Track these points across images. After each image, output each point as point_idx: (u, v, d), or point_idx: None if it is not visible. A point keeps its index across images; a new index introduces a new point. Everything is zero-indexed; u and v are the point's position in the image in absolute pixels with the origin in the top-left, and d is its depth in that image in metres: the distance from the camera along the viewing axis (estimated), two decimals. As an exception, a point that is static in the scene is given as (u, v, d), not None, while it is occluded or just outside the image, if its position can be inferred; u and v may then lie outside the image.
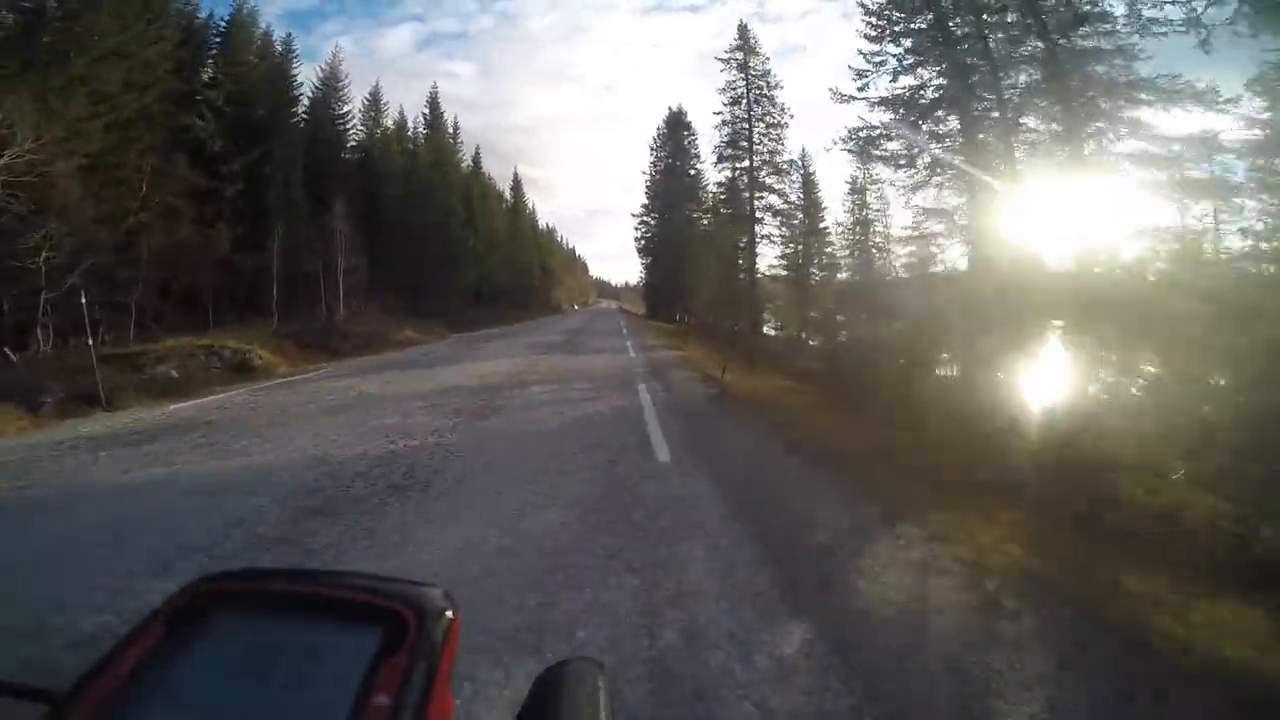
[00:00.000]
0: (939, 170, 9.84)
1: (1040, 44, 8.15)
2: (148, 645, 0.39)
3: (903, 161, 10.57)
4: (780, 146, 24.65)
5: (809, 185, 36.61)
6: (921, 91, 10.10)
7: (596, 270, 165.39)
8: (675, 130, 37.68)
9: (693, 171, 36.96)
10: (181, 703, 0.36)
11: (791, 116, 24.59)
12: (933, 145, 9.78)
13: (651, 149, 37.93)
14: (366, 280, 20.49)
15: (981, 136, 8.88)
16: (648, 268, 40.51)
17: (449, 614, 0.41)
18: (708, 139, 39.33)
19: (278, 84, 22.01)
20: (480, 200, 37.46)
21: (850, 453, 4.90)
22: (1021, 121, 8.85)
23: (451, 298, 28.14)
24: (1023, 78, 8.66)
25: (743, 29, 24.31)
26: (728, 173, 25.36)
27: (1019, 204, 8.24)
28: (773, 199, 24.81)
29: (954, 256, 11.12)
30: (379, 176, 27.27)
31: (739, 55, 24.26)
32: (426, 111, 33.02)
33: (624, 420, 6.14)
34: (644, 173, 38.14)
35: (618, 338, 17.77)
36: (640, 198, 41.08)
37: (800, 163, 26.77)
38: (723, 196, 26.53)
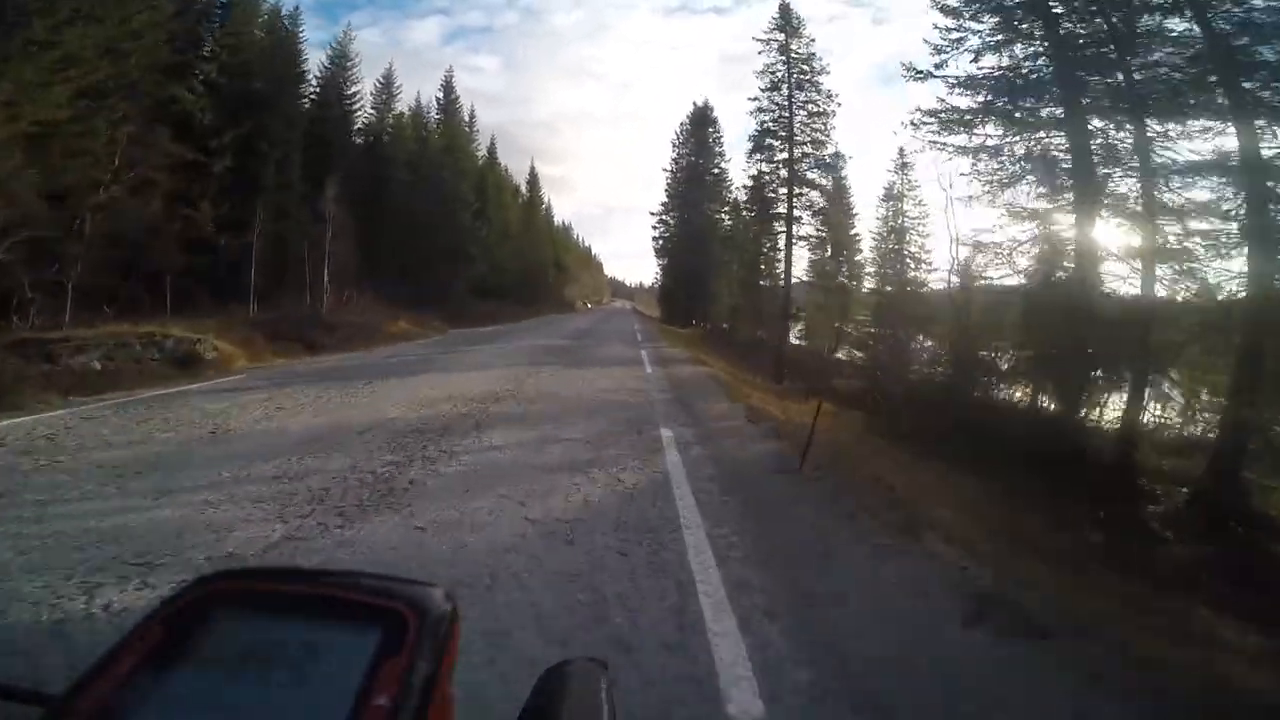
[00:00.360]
0: (1031, 166, 8.06)
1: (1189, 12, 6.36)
2: (147, 646, 0.38)
3: (986, 154, 8.79)
4: (824, 138, 22.58)
5: (839, 190, 34.81)
6: (1014, 71, 8.35)
7: (611, 269, 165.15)
8: (700, 127, 36.00)
9: (716, 170, 35.27)
10: (181, 703, 0.36)
11: (838, 104, 22.43)
12: (1026, 135, 8.00)
13: (674, 145, 36.33)
14: (357, 266, 18.99)
15: (1099, 124, 7.10)
16: (664, 269, 38.85)
17: (450, 614, 0.41)
18: (733, 138, 37.13)
19: (280, 59, 20.69)
20: (494, 191, 36.07)
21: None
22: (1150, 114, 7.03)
23: (459, 289, 26.73)
24: (1156, 55, 6.86)
25: (784, 8, 22.32)
26: (762, 166, 23.38)
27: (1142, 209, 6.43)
28: (814, 195, 22.88)
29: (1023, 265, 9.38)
30: (386, 161, 25.93)
31: (779, 36, 22.25)
32: (440, 96, 31.65)
33: (639, 535, 2.97)
34: (665, 170, 36.59)
35: (630, 345, 15.84)
36: (659, 196, 39.37)
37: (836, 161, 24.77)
38: (752, 190, 24.78)
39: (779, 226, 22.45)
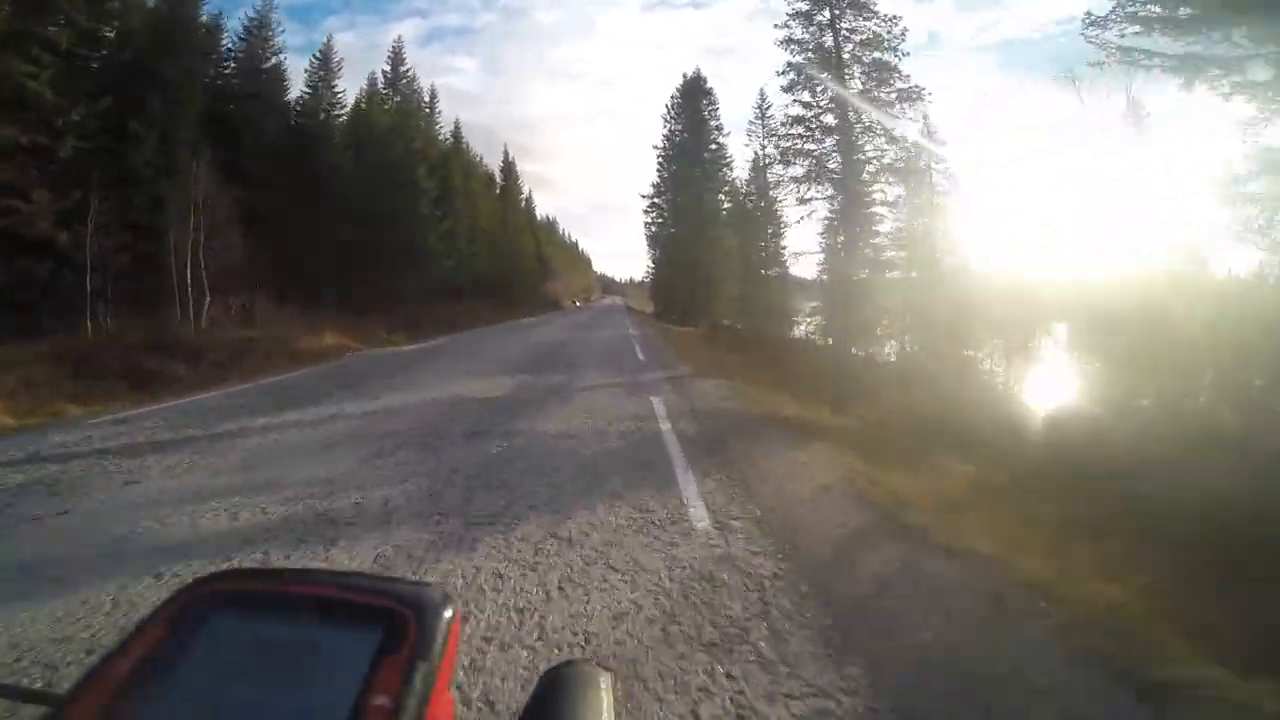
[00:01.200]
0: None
1: None
2: (148, 646, 0.38)
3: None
4: (890, 74, 16.16)
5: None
6: None
7: (600, 266, 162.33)
8: (692, 99, 31.87)
9: (714, 145, 31.17)
10: (182, 703, 0.36)
11: (904, 30, 16.18)
12: None
13: (664, 120, 32.21)
14: (247, 266, 14.79)
15: None
16: (657, 260, 34.82)
17: (449, 614, 0.40)
18: (731, 114, 32.49)
19: (166, 26, 16.46)
20: (461, 179, 31.88)
21: None
22: None
23: (420, 290, 22.62)
24: None
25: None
26: (798, 109, 17.32)
27: None
28: (885, 148, 16.75)
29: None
30: (319, 143, 21.73)
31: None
32: (387, 69, 27.27)
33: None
34: (655, 147, 32.45)
35: (627, 354, 11.30)
36: (647, 186, 35.09)
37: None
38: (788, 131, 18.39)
39: (814, 192, 17.30)
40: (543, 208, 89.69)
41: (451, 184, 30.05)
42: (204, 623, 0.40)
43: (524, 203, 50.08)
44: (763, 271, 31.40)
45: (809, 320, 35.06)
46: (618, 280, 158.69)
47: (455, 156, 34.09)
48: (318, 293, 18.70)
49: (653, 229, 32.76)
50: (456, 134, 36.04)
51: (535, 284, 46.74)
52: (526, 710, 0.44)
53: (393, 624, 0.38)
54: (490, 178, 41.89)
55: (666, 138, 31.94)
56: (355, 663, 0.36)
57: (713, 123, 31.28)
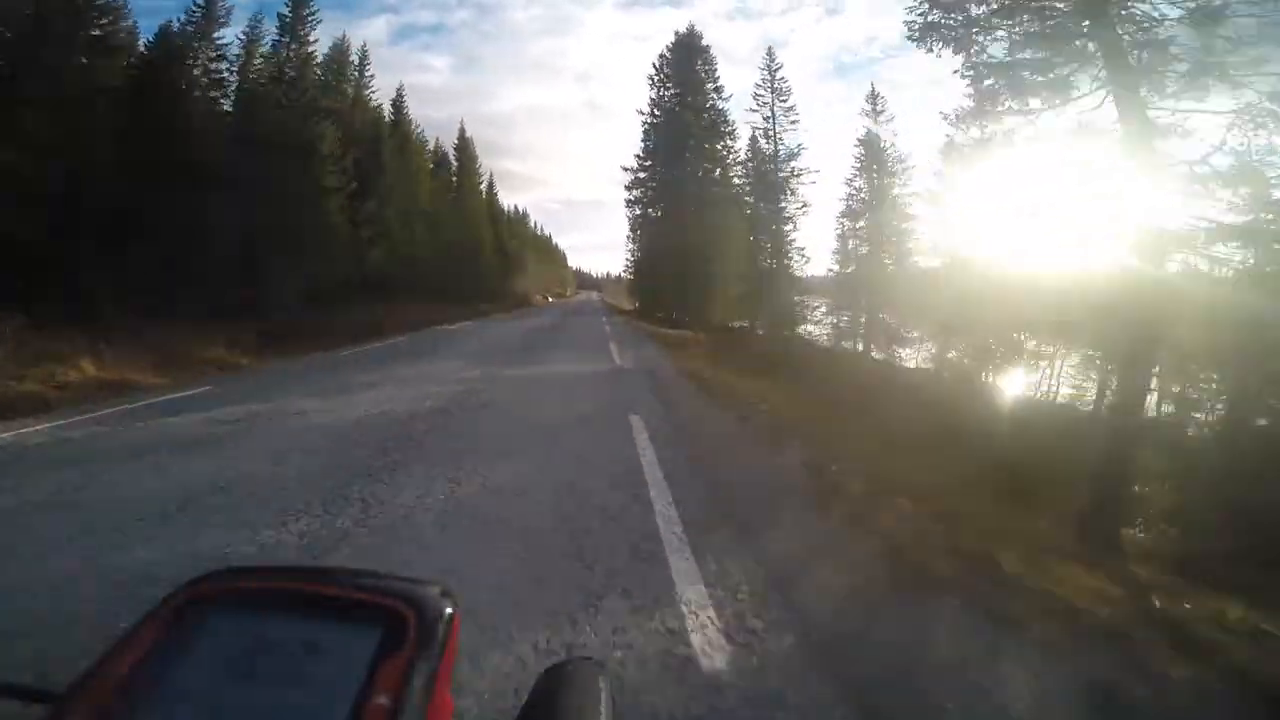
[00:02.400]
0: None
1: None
2: (147, 645, 0.38)
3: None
4: None
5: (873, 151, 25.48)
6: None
7: (576, 261, 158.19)
8: (686, 57, 26.19)
9: (710, 112, 25.51)
10: (181, 703, 0.35)
11: None
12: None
13: (652, 83, 26.48)
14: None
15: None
16: (642, 251, 29.24)
17: (449, 613, 0.40)
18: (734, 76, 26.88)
19: None
20: (396, 155, 25.75)
21: None
22: None
23: (322, 284, 16.72)
24: None
25: None
26: None
27: None
28: None
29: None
30: (170, 96, 15.60)
31: None
32: (287, 11, 20.66)
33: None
34: (640, 112, 26.68)
35: (611, 382, 7.66)
36: (631, 158, 29.27)
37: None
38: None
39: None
40: (517, 202, 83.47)
41: (383, 161, 23.99)
42: (203, 622, 0.39)
43: (485, 190, 43.82)
44: (769, 263, 26.22)
45: (822, 322, 30.03)
46: (594, 275, 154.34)
47: (395, 130, 27.95)
48: (160, 292, 12.74)
49: (636, 210, 27.03)
50: (398, 105, 29.77)
51: (498, 278, 40.68)
52: (525, 708, 0.44)
53: (393, 623, 0.38)
54: (442, 157, 35.69)
55: (654, 102, 26.29)
56: (355, 662, 0.36)
57: (710, 85, 25.69)
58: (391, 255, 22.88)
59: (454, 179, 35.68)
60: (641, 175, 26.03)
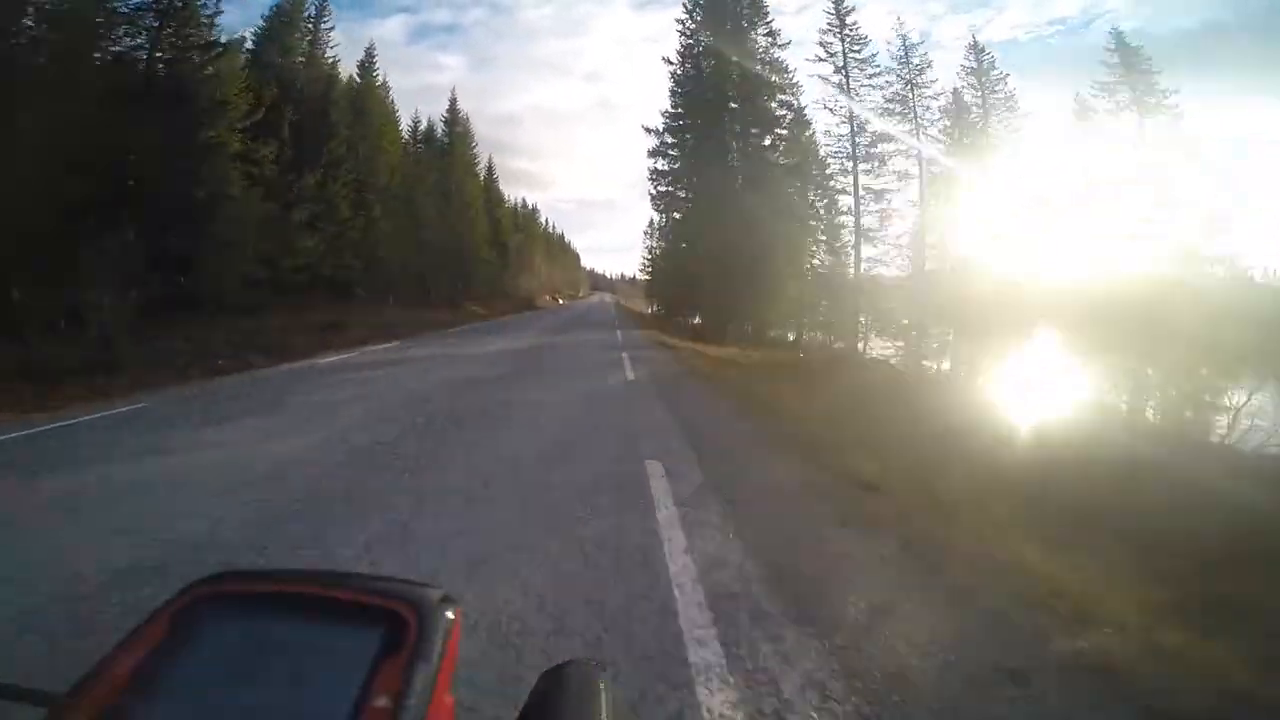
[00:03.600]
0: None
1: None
2: (148, 646, 0.38)
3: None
4: None
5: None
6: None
7: (589, 262, 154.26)
8: (721, -5, 20.24)
9: (764, 55, 19.40)
10: (182, 703, 0.35)
11: None
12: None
13: (681, 27, 20.49)
14: None
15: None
16: (665, 238, 23.37)
17: (450, 614, 0.40)
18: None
19: None
20: (354, 123, 20.20)
21: None
22: None
23: (225, 285, 11.17)
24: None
25: None
26: None
27: None
28: None
29: None
30: None
31: None
32: None
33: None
34: (668, 61, 20.67)
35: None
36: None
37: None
38: None
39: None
40: (527, 198, 77.98)
41: (332, 126, 18.48)
42: (203, 623, 0.39)
43: (483, 174, 38.09)
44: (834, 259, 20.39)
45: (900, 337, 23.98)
46: (608, 277, 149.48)
47: (368, 96, 22.43)
48: None
49: (660, 187, 20.80)
50: (366, 67, 24.18)
51: (496, 276, 35.11)
52: (525, 709, 0.43)
53: (393, 624, 0.38)
54: (427, 134, 30.16)
55: (683, 53, 20.31)
56: (355, 663, 0.36)
57: (761, 29, 19.64)
58: (338, 244, 17.35)
59: (443, 153, 29.97)
60: (669, 140, 19.96)
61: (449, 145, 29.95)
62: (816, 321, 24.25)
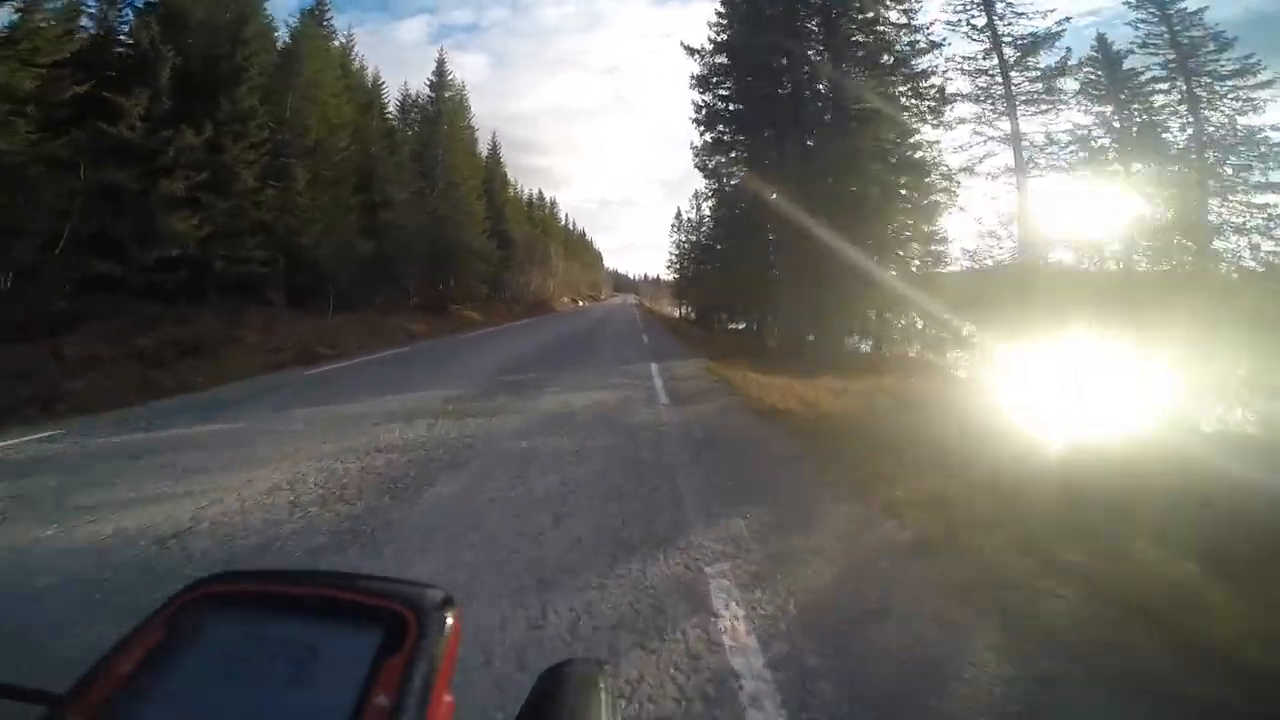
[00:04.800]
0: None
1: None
2: (148, 646, 0.38)
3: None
4: None
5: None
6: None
7: (612, 262, 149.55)
8: None
9: None
10: (182, 703, 0.35)
11: None
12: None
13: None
14: None
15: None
16: (716, 215, 17.46)
17: (450, 614, 0.40)
18: None
19: None
20: (283, 66, 14.79)
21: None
22: None
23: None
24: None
25: None
26: None
27: None
28: None
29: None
30: None
31: None
32: None
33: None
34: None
35: None
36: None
37: None
38: None
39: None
40: (544, 195, 72.52)
41: (235, 62, 13.05)
42: (203, 623, 0.39)
43: (488, 156, 32.54)
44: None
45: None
46: (630, 277, 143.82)
47: (311, 38, 17.07)
48: None
49: (705, 135, 14.17)
50: (316, 14, 18.69)
51: (498, 275, 29.61)
52: (526, 709, 0.43)
53: (393, 624, 0.38)
54: (409, 104, 24.70)
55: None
56: (355, 663, 0.36)
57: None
58: (235, 225, 11.92)
59: (426, 117, 24.36)
60: (720, 63, 13.71)
61: (435, 115, 24.43)
62: (898, 328, 18.14)
